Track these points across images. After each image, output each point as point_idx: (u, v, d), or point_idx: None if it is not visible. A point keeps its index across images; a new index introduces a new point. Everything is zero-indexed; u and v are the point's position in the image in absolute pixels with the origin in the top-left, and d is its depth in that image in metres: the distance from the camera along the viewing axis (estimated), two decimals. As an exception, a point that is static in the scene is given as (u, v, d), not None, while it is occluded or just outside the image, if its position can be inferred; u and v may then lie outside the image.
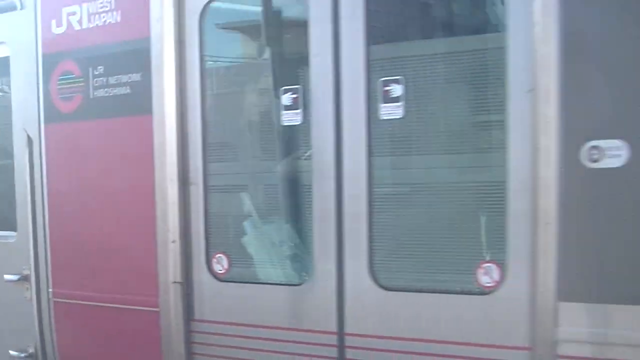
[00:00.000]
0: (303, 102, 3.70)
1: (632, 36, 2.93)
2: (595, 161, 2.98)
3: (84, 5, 4.31)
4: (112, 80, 4.24)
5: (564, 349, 3.09)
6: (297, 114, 3.72)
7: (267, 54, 3.90)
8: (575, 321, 3.06)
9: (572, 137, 3.01)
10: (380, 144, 3.52)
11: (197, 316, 4.09)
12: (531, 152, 3.10)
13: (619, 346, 3.00)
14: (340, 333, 3.66)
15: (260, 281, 3.97)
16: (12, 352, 4.80)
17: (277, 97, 3.78)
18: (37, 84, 4.54)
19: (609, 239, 3.00)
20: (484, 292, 3.29)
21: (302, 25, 3.66)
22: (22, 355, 4.74)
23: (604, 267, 3.02)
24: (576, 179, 3.01)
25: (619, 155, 2.94)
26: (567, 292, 3.07)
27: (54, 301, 4.58)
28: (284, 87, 3.76)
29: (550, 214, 3.06)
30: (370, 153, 3.52)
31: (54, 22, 4.44)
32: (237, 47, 4.18)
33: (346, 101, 3.56)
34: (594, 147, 2.97)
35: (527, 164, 3.12)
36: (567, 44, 2.99)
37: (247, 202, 4.05)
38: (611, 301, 3.02)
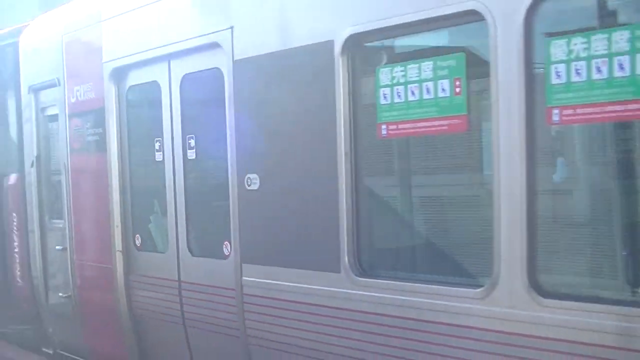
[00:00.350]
0: (162, 148, 6.58)
1: (265, 111, 5.50)
2: (250, 185, 5.59)
3: (81, 86, 7.49)
4: (92, 131, 7.38)
5: (246, 290, 5.71)
6: (160, 154, 6.61)
7: (152, 119, 6.79)
8: (250, 274, 5.66)
9: (241, 170, 5.63)
10: (188, 172, 6.32)
11: (131, 271, 7.10)
12: (232, 180, 5.75)
13: (295, 292, 5.50)
14: (179, 280, 6.50)
15: (153, 251, 6.90)
16: (60, 294, 8.13)
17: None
18: (66, 130, 7.80)
19: (264, 228, 5.57)
20: (225, 257, 5.98)
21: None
22: (65, 295, 8.05)
23: (264, 243, 5.59)
24: (244, 196, 5.64)
25: (257, 183, 5.53)
26: (246, 258, 5.69)
27: (76, 263, 7.82)
28: (156, 138, 6.67)
29: (235, 215, 5.71)
30: (185, 177, 6.34)
31: (70, 94, 7.67)
32: (144, 112, 7.10)
33: (175, 148, 6.41)
34: (249, 177, 5.58)
35: (236, 187, 5.76)
36: (236, 114, 5.62)
37: (153, 204, 6.99)
38: (270, 264, 5.57)
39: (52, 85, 8.02)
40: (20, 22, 9.29)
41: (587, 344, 3.78)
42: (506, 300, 4.07)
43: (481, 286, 4.20)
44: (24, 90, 8.54)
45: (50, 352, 8.78)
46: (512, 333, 4.06)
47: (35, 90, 8.34)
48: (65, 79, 7.76)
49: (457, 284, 4.39)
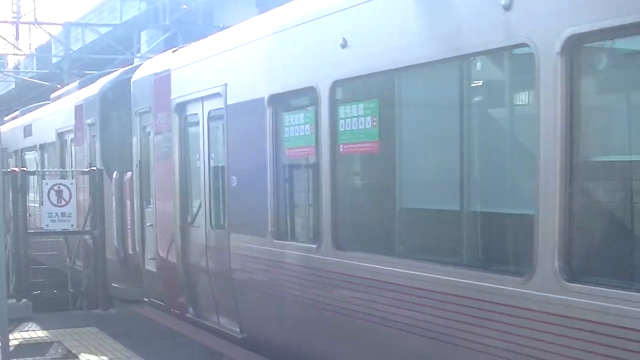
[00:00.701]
0: (200, 158, 10.41)
1: (238, 136, 9.21)
2: (233, 183, 9.31)
3: (161, 113, 11.50)
4: (165, 145, 11.35)
5: (232, 250, 9.43)
6: (199, 162, 10.46)
7: (196, 139, 10.63)
8: (233, 239, 9.39)
9: (229, 174, 9.36)
10: (211, 174, 10.12)
11: (185, 240, 10.99)
12: (227, 180, 9.49)
13: (250, 249, 9.22)
14: (206, 245, 10.33)
15: (197, 226, 10.75)
16: (149, 257, 12.20)
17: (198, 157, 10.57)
18: (153, 144, 11.84)
19: (237, 210, 9.28)
20: (222, 228, 9.72)
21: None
22: (152, 258, 12.10)
23: (238, 218, 9.30)
24: (230, 190, 9.37)
25: (235, 181, 9.25)
26: (232, 228, 9.42)
27: (156, 234, 11.85)
28: (197, 152, 10.52)
29: (227, 201, 9.45)
30: (210, 178, 10.14)
31: (155, 119, 11.69)
32: (192, 134, 10.93)
33: (205, 159, 10.22)
34: (232, 178, 9.31)
35: (228, 184, 9.50)
36: (228, 138, 9.36)
37: (195, 194, 10.85)
38: (240, 232, 9.28)
39: (147, 112, 12.10)
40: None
41: (360, 277, 7.16)
42: (325, 251, 7.55)
43: (315, 244, 7.70)
44: (132, 113, 12.68)
45: (147, 300, 12.88)
46: (329, 271, 7.54)
47: (139, 114, 12.46)
48: (153, 108, 11.79)
49: (309, 242, 7.91)
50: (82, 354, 9.58)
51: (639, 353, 4.56)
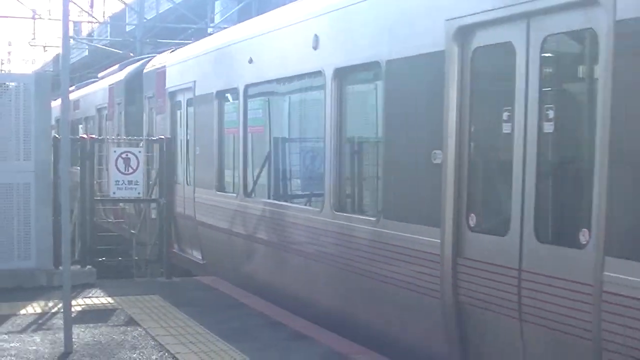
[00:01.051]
0: (183, 136, 14.59)
1: (200, 120, 13.35)
2: (197, 152, 13.44)
3: (160, 99, 15.69)
4: (163, 122, 15.54)
5: (196, 200, 13.57)
6: (183, 139, 14.62)
7: (181, 119, 14.80)
8: (198, 192, 13.53)
9: (196, 144, 13.50)
10: (190, 146, 14.29)
11: (173, 194, 15.18)
12: (196, 148, 13.64)
13: (205, 199, 13.36)
14: (194, 200, 14.51)
15: (179, 183, 14.94)
16: (152, 207, 16.45)
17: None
18: (155, 122, 16.03)
19: (200, 170, 13.40)
20: (191, 184, 13.88)
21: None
22: (153, 208, 16.35)
23: (200, 177, 13.44)
24: (195, 157, 13.51)
25: (198, 150, 13.38)
26: (196, 184, 13.57)
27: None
28: (179, 128, 14.69)
29: (194, 164, 13.60)
30: (189, 149, 14.31)
31: (157, 103, 15.90)
32: (180, 115, 15.06)
33: (184, 134, 14.39)
34: (197, 148, 13.44)
35: (195, 152, 13.64)
36: (196, 120, 13.50)
37: (187, 160, 15.02)
38: (201, 187, 13.41)
39: (152, 97, 16.30)
40: None
41: (256, 214, 11.18)
42: (240, 199, 11.62)
43: (236, 194, 11.77)
44: (143, 97, 16.89)
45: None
46: (242, 212, 11.61)
47: (147, 98, 16.68)
48: (155, 94, 15.97)
49: (232, 193, 11.99)
50: (144, 321, 9.61)
51: (356, 251, 8.60)
